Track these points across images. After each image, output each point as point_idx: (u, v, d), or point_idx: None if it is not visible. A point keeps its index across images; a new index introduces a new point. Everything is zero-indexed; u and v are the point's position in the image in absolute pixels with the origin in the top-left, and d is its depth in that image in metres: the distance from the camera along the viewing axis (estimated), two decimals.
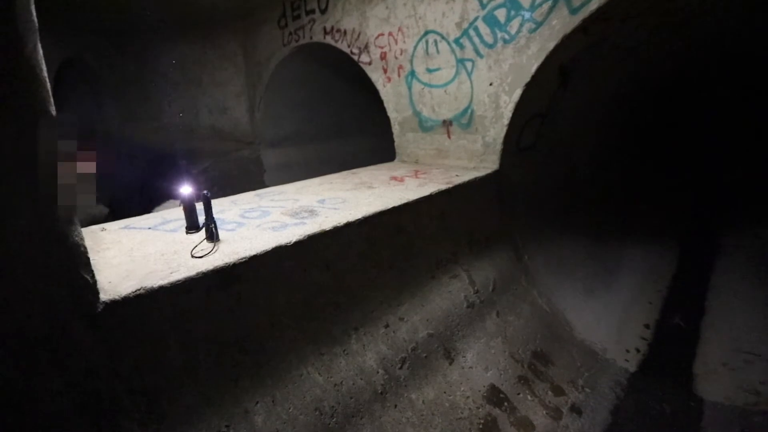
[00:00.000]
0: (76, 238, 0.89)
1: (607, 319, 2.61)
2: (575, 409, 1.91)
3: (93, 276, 0.94)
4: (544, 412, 1.83)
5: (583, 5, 2.03)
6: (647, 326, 2.68)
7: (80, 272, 0.91)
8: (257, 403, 1.24)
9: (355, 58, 3.27)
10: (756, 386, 2.09)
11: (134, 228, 1.59)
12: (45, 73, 0.76)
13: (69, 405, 0.91)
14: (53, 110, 0.78)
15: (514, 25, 2.29)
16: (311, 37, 3.65)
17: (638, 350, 2.44)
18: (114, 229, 1.59)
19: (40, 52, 0.75)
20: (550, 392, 1.94)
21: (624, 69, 3.10)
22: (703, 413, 1.98)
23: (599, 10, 1.99)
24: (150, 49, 4.91)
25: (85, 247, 0.92)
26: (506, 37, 2.34)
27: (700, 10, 2.33)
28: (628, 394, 2.10)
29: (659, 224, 4.02)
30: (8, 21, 0.68)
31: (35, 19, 0.74)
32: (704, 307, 2.86)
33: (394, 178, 2.42)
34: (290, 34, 3.90)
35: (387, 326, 1.68)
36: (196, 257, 1.23)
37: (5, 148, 0.72)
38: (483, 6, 2.38)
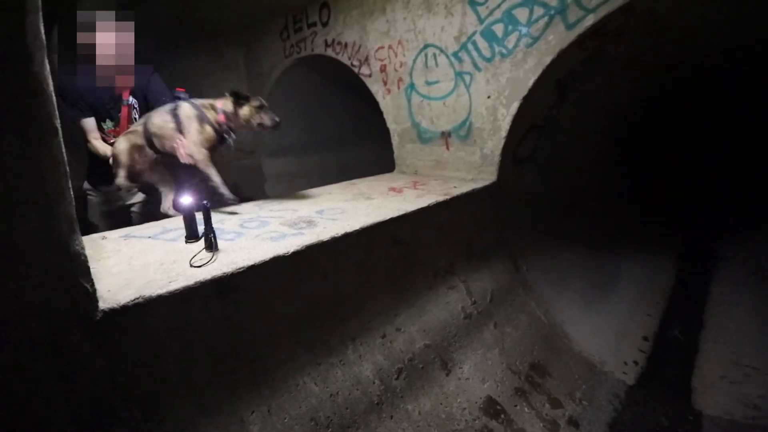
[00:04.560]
0: (77, 247, 0.91)
1: (605, 331, 2.61)
2: (572, 422, 1.90)
3: (93, 285, 0.96)
4: (541, 424, 1.82)
5: (578, 21, 2.07)
6: (646, 339, 2.68)
7: (80, 281, 0.92)
8: (253, 412, 1.24)
9: (356, 70, 3.32)
10: (755, 400, 2.08)
11: (135, 237, 1.61)
12: (51, 88, 0.79)
13: (66, 413, 0.92)
14: (58, 124, 0.81)
15: (512, 39, 2.33)
16: (312, 50, 3.72)
17: (636, 363, 2.44)
18: (114, 237, 1.61)
19: (47, 67, 0.78)
20: (547, 404, 1.94)
21: (622, 82, 3.14)
22: (701, 427, 1.97)
23: (594, 26, 2.04)
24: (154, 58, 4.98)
25: (86, 256, 0.94)
26: (504, 51, 2.38)
27: (692, 27, 2.37)
28: (626, 407, 2.09)
29: (658, 235, 4.03)
30: (18, 38, 0.71)
31: (43, 37, 0.77)
32: (703, 320, 2.85)
33: (393, 189, 2.45)
34: (292, 46, 3.97)
35: (384, 336, 1.69)
36: (195, 267, 1.24)
37: (12, 160, 0.74)
38: (481, 21, 2.43)
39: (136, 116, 2.27)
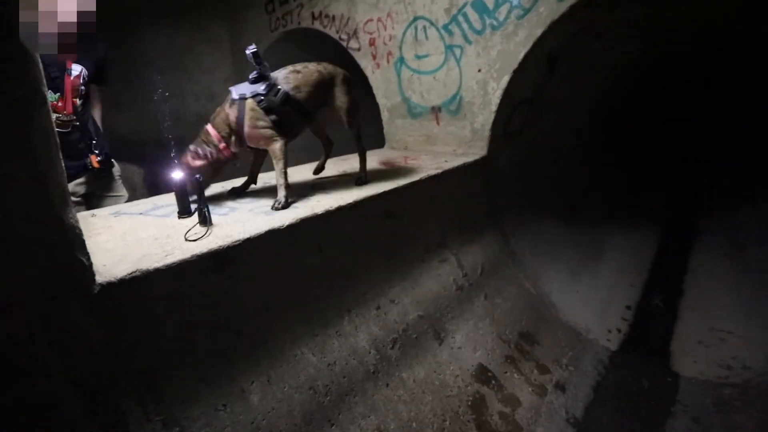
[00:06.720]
0: (71, 221, 0.90)
1: (590, 301, 2.70)
2: (559, 386, 2.00)
3: (89, 258, 0.95)
4: (530, 389, 1.91)
5: None
6: (629, 307, 2.78)
7: (76, 254, 0.92)
8: (253, 382, 1.27)
9: (344, 44, 3.25)
10: (728, 361, 2.20)
11: (125, 214, 1.59)
12: (38, 54, 0.76)
13: (66, 384, 0.93)
14: (46, 90, 0.78)
15: (503, 11, 2.30)
16: (299, 23, 3.61)
17: (619, 330, 2.54)
18: (104, 215, 1.58)
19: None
20: (535, 371, 2.02)
21: (612, 56, 3.14)
22: (678, 387, 2.09)
23: None
24: (134, 34, 4.77)
25: (80, 230, 0.93)
26: (494, 23, 2.35)
27: (686, 3, 2.37)
28: (609, 371, 2.19)
29: (643, 208, 4.13)
30: (3, 2, 0.68)
31: None
32: (682, 289, 2.97)
33: (384, 164, 2.44)
34: (278, 19, 3.84)
35: (378, 308, 1.72)
36: (190, 241, 1.24)
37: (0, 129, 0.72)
38: None
39: (83, 89, 2.00)
